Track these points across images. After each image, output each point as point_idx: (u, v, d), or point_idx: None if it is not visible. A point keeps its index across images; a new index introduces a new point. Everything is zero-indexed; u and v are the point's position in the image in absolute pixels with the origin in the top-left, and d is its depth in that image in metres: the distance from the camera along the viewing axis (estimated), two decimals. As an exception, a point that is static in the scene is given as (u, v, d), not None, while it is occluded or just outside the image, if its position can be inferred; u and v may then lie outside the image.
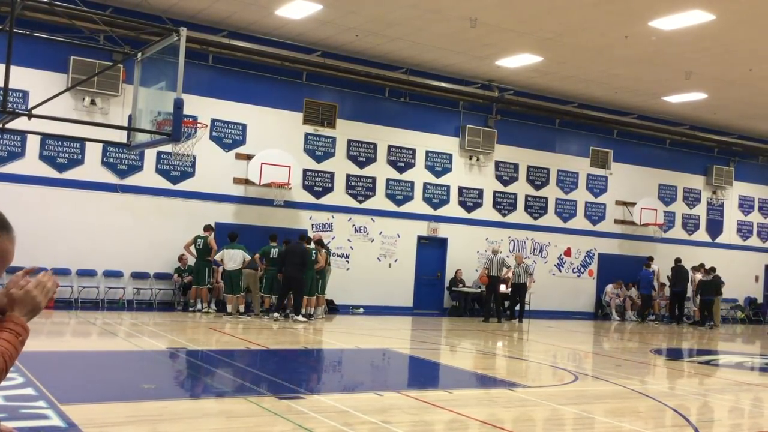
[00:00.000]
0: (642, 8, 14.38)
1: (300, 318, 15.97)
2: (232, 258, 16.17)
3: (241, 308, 16.39)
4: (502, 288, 19.98)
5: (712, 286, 22.22)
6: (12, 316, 2.19)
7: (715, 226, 25.89)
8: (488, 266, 19.25)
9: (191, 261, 16.75)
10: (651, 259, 22.73)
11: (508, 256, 20.62)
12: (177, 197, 17.11)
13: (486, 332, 16.97)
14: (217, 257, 16.30)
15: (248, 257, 16.26)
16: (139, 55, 10.35)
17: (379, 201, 19.69)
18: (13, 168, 15.49)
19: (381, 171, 19.71)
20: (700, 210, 25.61)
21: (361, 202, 19.44)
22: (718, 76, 18.67)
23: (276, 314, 16.01)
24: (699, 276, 22.52)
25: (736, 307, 25.65)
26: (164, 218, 16.91)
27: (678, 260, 22.72)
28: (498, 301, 19.50)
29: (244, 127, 17.94)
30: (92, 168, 16.29)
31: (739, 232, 26.47)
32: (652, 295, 22.56)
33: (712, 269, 22.78)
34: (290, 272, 15.88)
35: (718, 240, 25.88)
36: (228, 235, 16.52)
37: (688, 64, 17.78)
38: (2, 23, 9.21)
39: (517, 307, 19.91)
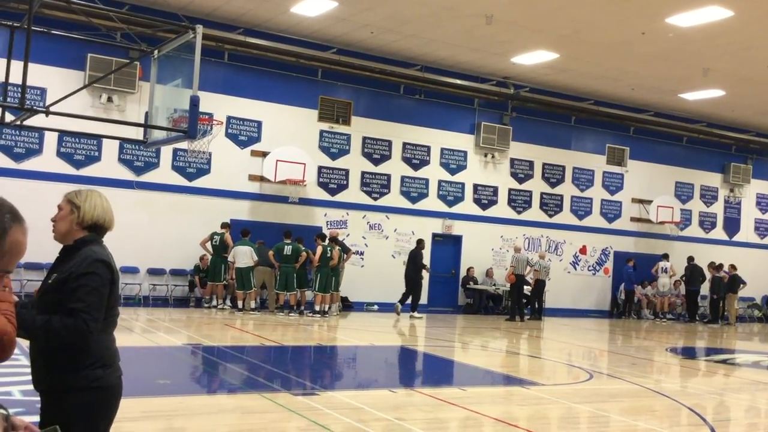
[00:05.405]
0: (659, 4, 14.28)
1: (416, 315, 17.57)
2: (242, 255, 16.26)
3: (252, 304, 16.44)
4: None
5: (721, 283, 22.11)
6: None
7: (732, 224, 25.68)
8: (515, 264, 19.11)
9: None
10: (666, 256, 22.56)
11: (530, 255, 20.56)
12: (193, 194, 17.17)
13: (500, 330, 16.94)
14: (230, 257, 16.38)
15: (256, 257, 16.34)
16: (156, 52, 10.37)
17: (394, 198, 19.68)
18: (31, 164, 15.62)
19: (396, 168, 19.70)
20: (717, 208, 25.40)
21: (375, 199, 19.44)
22: (735, 73, 18.51)
23: (414, 313, 17.75)
24: (711, 274, 22.41)
25: (753, 305, 25.43)
26: (180, 215, 16.99)
27: (691, 258, 22.57)
28: (517, 300, 19.44)
29: (259, 124, 17.98)
30: (109, 165, 16.39)
31: (757, 230, 26.24)
32: (634, 291, 22.42)
33: (733, 267, 22.61)
34: (407, 273, 17.93)
35: (736, 238, 25.67)
36: (240, 231, 16.62)
37: (706, 60, 17.63)
38: (20, 21, 9.28)
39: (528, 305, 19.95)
